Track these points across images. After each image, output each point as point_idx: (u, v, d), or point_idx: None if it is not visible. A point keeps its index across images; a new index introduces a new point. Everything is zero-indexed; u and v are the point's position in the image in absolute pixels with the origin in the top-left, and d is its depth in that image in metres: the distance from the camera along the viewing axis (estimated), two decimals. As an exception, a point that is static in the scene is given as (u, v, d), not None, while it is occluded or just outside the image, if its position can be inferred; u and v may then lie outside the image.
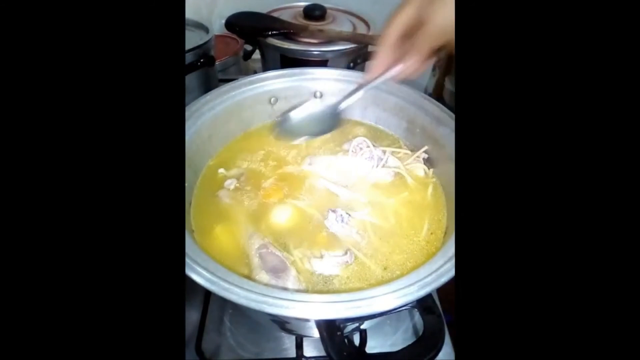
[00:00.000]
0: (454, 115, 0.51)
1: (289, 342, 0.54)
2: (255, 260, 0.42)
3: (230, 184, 0.50)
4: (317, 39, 0.73)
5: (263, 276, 0.40)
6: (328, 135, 0.58)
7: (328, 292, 0.40)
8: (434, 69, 0.93)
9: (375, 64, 0.43)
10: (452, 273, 0.34)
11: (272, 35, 0.72)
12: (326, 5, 0.78)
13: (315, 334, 0.41)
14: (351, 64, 0.74)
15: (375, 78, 0.44)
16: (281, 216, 0.47)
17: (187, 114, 0.50)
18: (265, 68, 0.80)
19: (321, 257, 0.43)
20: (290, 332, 0.53)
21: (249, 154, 0.56)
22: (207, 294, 0.57)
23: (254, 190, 0.50)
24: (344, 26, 0.77)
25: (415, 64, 0.40)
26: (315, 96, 0.60)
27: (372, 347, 0.53)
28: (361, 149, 0.55)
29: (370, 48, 0.76)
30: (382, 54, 0.42)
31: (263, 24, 0.73)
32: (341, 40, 0.72)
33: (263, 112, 0.59)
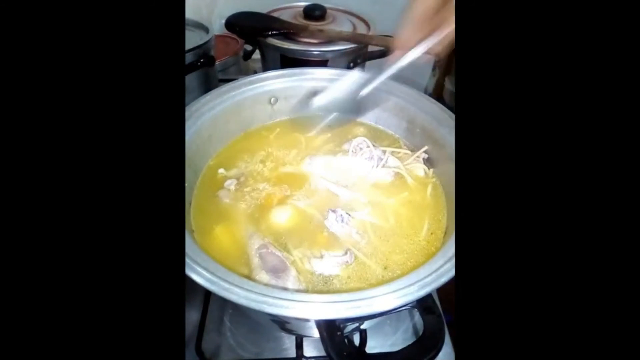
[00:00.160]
0: (454, 115, 0.51)
1: (289, 342, 0.54)
2: (255, 260, 0.42)
3: (230, 184, 0.50)
4: (317, 39, 0.73)
5: (263, 276, 0.40)
6: (328, 135, 0.59)
7: (328, 292, 0.40)
8: (434, 69, 0.93)
9: (402, 41, 0.40)
10: (452, 273, 0.34)
11: (272, 35, 0.72)
12: (326, 5, 0.78)
13: (315, 334, 0.41)
14: (351, 64, 0.74)
15: (403, 55, 0.41)
16: (281, 216, 0.47)
17: (187, 114, 0.50)
18: (265, 68, 0.80)
19: (321, 257, 0.43)
20: (290, 332, 0.53)
21: (249, 154, 0.56)
22: (207, 294, 0.57)
23: (254, 190, 0.50)
24: (344, 26, 0.77)
25: (450, 37, 0.38)
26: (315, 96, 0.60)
27: (372, 347, 0.53)
28: (361, 149, 0.55)
29: (370, 48, 0.76)
30: (409, 30, 0.39)
31: (263, 24, 0.73)
32: (341, 40, 0.72)
33: (263, 112, 0.59)
